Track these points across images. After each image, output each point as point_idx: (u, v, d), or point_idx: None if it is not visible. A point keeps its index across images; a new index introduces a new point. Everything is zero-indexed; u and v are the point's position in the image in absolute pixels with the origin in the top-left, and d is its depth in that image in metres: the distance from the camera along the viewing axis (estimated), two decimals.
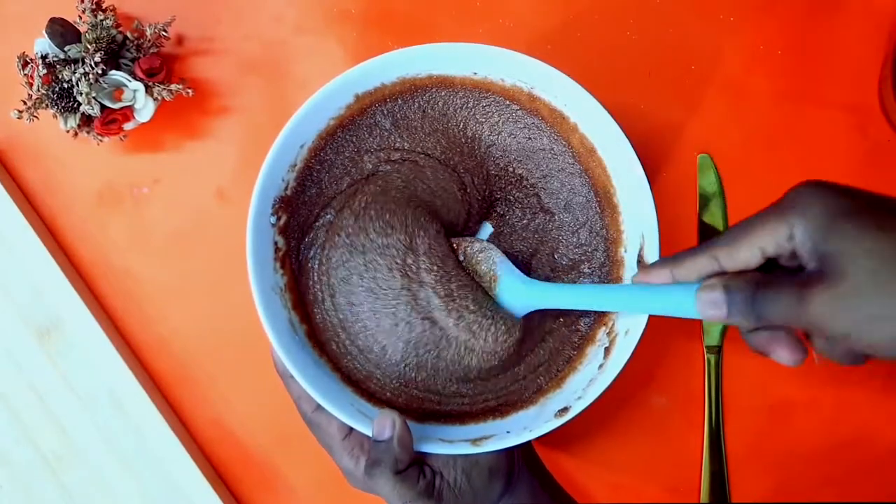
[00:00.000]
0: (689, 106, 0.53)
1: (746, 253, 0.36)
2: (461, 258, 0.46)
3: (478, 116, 0.48)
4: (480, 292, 0.44)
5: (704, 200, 0.53)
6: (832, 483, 0.52)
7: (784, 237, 0.34)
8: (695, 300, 0.36)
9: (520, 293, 0.44)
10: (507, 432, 0.43)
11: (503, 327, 0.43)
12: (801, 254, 0.34)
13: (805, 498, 0.52)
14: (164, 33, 0.52)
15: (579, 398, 0.43)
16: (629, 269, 0.45)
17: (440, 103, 0.47)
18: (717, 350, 0.52)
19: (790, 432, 0.52)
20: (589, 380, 0.44)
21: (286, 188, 0.45)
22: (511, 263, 0.45)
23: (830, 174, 0.52)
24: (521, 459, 0.46)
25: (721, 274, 0.37)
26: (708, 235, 0.52)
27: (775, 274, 0.35)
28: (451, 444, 0.42)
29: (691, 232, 0.53)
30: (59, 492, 0.54)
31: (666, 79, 0.53)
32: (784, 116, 0.53)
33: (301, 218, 0.46)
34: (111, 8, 0.52)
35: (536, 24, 0.53)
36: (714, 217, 0.52)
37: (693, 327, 0.53)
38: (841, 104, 0.53)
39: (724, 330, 0.52)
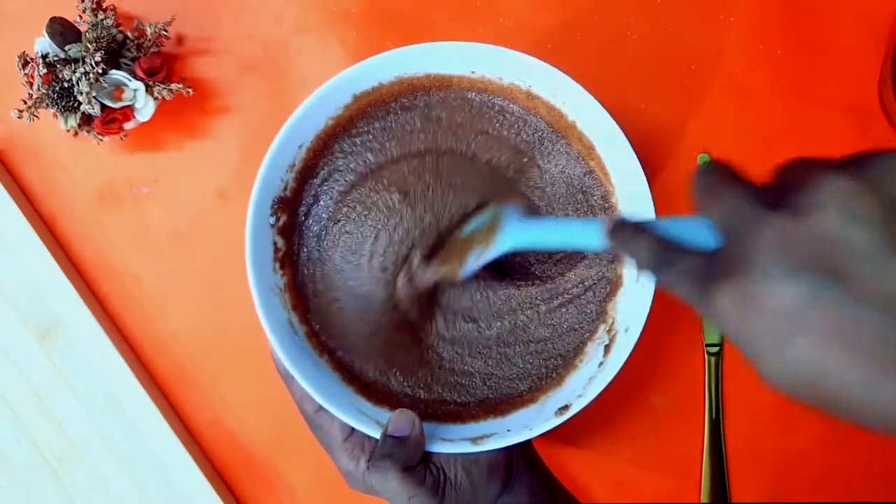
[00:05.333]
0: (689, 106, 0.53)
1: None
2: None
3: (476, 115, 0.48)
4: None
5: None
6: (832, 483, 0.52)
7: None
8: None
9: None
10: (508, 431, 0.43)
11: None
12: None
13: (805, 498, 0.52)
14: (164, 33, 0.52)
15: (580, 396, 0.43)
16: (627, 269, 0.45)
17: (439, 102, 0.47)
18: (718, 350, 0.52)
19: (790, 432, 0.52)
20: (589, 378, 0.44)
21: (285, 189, 0.45)
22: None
23: None
24: (520, 457, 0.46)
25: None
26: None
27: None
28: (451, 442, 0.42)
29: None
30: (58, 492, 0.53)
31: (666, 78, 0.53)
32: (784, 116, 0.53)
33: (302, 218, 0.46)
34: (111, 7, 0.52)
35: (536, 23, 0.53)
36: None
37: (694, 327, 0.53)
38: (841, 104, 0.53)
39: None
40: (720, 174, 0.31)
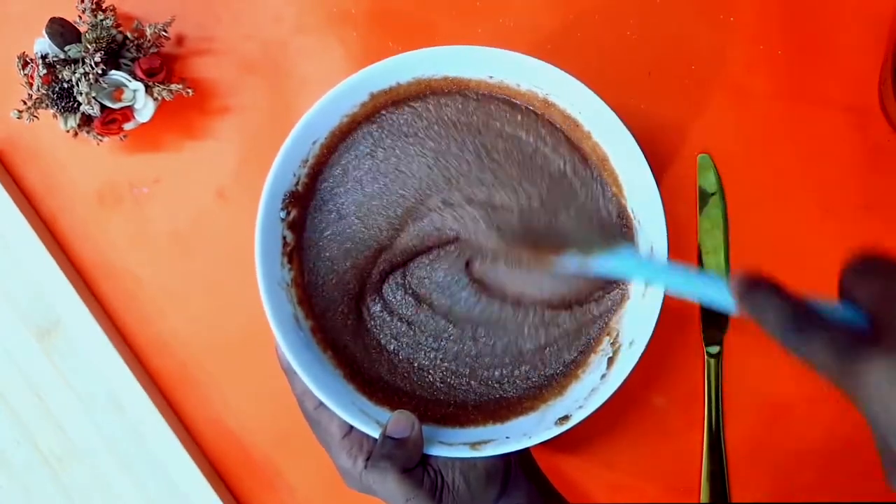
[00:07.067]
0: (688, 106, 0.53)
1: None
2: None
3: (492, 119, 0.47)
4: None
5: (704, 200, 0.53)
6: (832, 483, 0.52)
7: None
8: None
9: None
10: (507, 438, 0.43)
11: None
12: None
13: (805, 498, 0.52)
14: (164, 33, 0.52)
15: (580, 407, 0.43)
16: (634, 284, 0.45)
17: (456, 105, 0.47)
18: (718, 351, 0.52)
19: (790, 432, 0.52)
20: (591, 389, 0.44)
21: (297, 183, 0.45)
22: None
23: (830, 174, 0.53)
24: (518, 464, 0.46)
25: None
26: (706, 235, 0.52)
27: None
28: (450, 447, 0.42)
29: (691, 232, 0.53)
30: (58, 492, 0.54)
31: (666, 79, 0.53)
32: (784, 116, 0.53)
33: (312, 212, 0.46)
34: (111, 8, 0.52)
35: (536, 23, 0.53)
36: (714, 217, 0.52)
37: (693, 327, 0.53)
38: (841, 104, 0.53)
39: (724, 330, 0.52)
40: (873, 260, 0.29)
